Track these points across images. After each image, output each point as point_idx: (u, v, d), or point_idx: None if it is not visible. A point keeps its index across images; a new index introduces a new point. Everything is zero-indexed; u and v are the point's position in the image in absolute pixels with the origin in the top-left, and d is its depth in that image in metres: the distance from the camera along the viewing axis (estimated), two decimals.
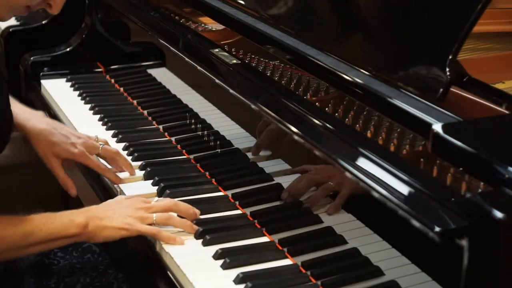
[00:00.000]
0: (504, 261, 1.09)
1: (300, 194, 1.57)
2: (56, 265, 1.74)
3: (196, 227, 1.57)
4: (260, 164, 1.73)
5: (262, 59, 1.87)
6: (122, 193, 1.77)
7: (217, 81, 1.83)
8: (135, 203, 1.60)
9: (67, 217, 1.54)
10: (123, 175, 1.83)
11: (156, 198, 1.66)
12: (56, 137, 1.81)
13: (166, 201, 1.62)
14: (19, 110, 1.86)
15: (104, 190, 1.85)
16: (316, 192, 1.53)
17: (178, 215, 1.59)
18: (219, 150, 1.88)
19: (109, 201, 1.65)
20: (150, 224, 1.56)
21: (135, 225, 1.55)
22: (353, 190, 1.43)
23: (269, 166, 1.71)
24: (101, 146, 1.84)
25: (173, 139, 2.03)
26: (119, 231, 1.55)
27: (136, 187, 1.78)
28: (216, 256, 1.49)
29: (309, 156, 1.50)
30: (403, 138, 1.44)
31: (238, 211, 1.67)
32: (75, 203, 1.89)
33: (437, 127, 1.23)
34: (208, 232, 1.56)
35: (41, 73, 2.49)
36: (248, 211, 1.65)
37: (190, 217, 1.59)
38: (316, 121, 1.50)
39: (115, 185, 1.80)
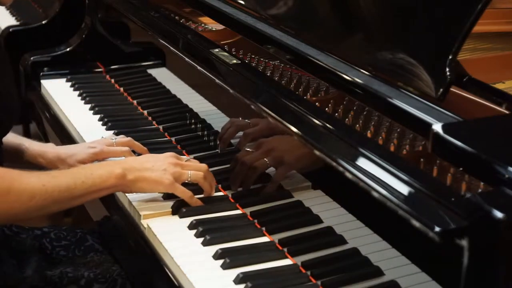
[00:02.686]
0: (504, 261, 1.09)
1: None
2: (58, 263, 1.75)
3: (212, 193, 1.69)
4: None
5: (262, 59, 1.87)
6: None
7: (217, 81, 1.83)
8: (170, 158, 1.67)
9: (105, 169, 1.61)
10: None
11: (187, 157, 1.75)
12: (74, 149, 1.91)
13: (197, 163, 1.70)
14: (31, 142, 1.95)
15: None
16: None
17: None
18: (219, 150, 1.88)
19: (145, 154, 1.73)
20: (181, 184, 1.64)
21: (172, 184, 1.62)
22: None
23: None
24: (114, 140, 1.91)
25: (173, 139, 2.03)
26: (156, 185, 1.62)
27: None
28: (216, 256, 1.49)
29: None
30: (403, 138, 1.44)
31: (238, 211, 1.67)
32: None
33: (437, 127, 1.23)
34: (208, 232, 1.56)
35: (41, 73, 2.49)
36: (248, 211, 1.65)
37: (212, 187, 1.70)
38: (316, 121, 1.50)
39: None
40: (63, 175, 1.59)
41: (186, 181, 1.65)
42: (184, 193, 1.64)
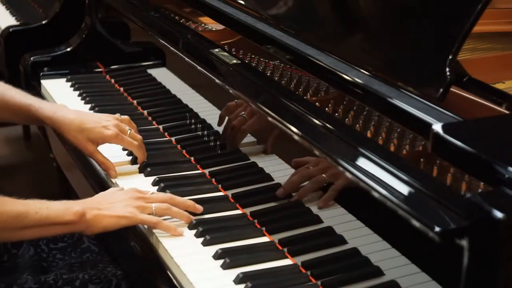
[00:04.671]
0: (504, 261, 1.09)
1: (294, 188, 1.57)
2: (55, 266, 1.74)
3: (192, 217, 1.59)
4: (260, 164, 1.73)
5: (262, 59, 1.87)
6: None
7: (217, 81, 1.83)
8: (132, 193, 1.61)
9: (63, 205, 1.54)
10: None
11: (151, 191, 1.66)
12: (88, 123, 1.84)
13: (162, 194, 1.64)
14: (41, 104, 1.89)
15: (104, 190, 1.85)
16: (307, 184, 1.54)
17: None
18: (219, 150, 1.88)
19: (103, 192, 1.65)
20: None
21: (136, 214, 1.55)
22: (343, 183, 1.42)
23: (269, 166, 1.72)
24: (129, 131, 1.86)
25: (173, 139, 2.03)
26: (120, 220, 1.55)
27: (137, 187, 1.78)
28: (216, 256, 1.49)
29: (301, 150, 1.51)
30: (403, 138, 1.44)
31: (238, 211, 1.67)
32: None
33: (437, 127, 1.23)
34: (208, 232, 1.56)
35: (41, 73, 2.49)
36: (248, 211, 1.65)
37: (187, 208, 1.61)
38: (316, 121, 1.51)
39: (114, 181, 1.81)
40: (16, 203, 1.51)
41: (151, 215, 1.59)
42: (149, 221, 1.57)
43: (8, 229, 1.50)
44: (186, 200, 1.64)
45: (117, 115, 1.92)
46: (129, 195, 1.60)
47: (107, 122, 1.85)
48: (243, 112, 1.72)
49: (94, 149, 1.83)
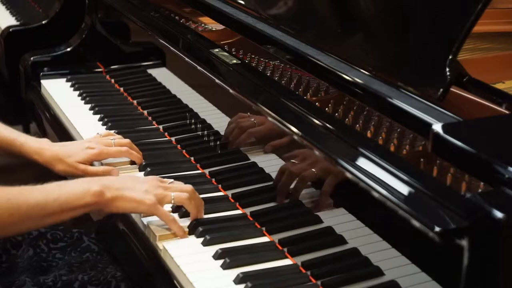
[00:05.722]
0: (504, 261, 1.09)
1: (287, 190, 1.57)
2: (55, 266, 1.74)
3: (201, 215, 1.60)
4: (260, 164, 1.73)
5: (262, 59, 1.87)
6: None
7: (217, 81, 1.83)
8: (153, 180, 1.60)
9: (81, 186, 1.52)
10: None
11: (171, 180, 1.66)
12: (71, 150, 1.84)
13: (182, 185, 1.63)
14: (26, 138, 1.88)
15: None
16: (296, 182, 1.53)
17: None
18: (219, 150, 1.88)
19: (124, 175, 1.64)
20: (165, 204, 1.57)
21: (154, 204, 1.54)
22: (336, 177, 1.42)
23: (269, 166, 1.71)
24: (113, 140, 1.86)
25: (173, 139, 2.03)
26: (139, 205, 1.54)
27: None
28: (216, 256, 1.49)
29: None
30: (403, 138, 1.44)
31: (238, 211, 1.67)
32: None
33: (437, 127, 1.23)
34: (208, 232, 1.56)
35: (41, 73, 2.49)
36: (248, 211, 1.65)
37: (199, 207, 1.61)
38: (316, 121, 1.50)
39: None
40: (34, 190, 1.49)
41: (170, 204, 1.59)
42: (165, 216, 1.56)
43: (29, 218, 1.48)
44: (202, 203, 1.62)
45: (96, 134, 1.93)
46: (150, 182, 1.59)
47: (89, 143, 1.86)
48: (253, 119, 1.71)
49: (85, 166, 1.82)
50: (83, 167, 1.82)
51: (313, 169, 1.48)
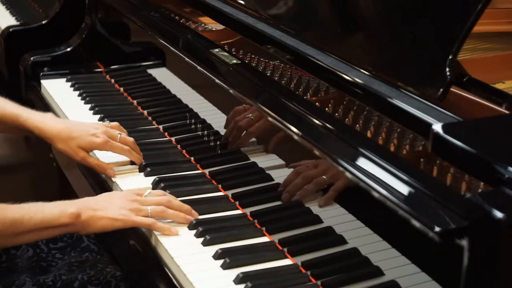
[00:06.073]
0: (504, 261, 1.09)
1: (297, 191, 1.57)
2: (54, 266, 1.74)
3: (190, 218, 1.59)
4: (260, 164, 1.73)
5: (262, 59, 1.87)
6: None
7: (217, 81, 1.83)
8: (128, 195, 1.61)
9: (58, 207, 1.54)
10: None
11: (148, 191, 1.66)
12: (76, 132, 1.84)
13: (158, 197, 1.63)
14: (30, 114, 1.89)
15: (104, 190, 1.85)
16: (308, 186, 1.53)
17: None
18: (219, 150, 1.88)
19: (101, 194, 1.65)
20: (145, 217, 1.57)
21: (130, 216, 1.55)
22: (344, 184, 1.42)
23: (269, 166, 1.71)
24: (119, 135, 1.86)
25: (173, 139, 2.03)
26: (114, 222, 1.55)
27: (137, 187, 1.78)
28: (216, 256, 1.49)
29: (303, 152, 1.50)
30: (403, 138, 1.44)
31: (238, 211, 1.67)
32: None
33: (437, 127, 1.23)
34: (208, 232, 1.56)
35: (41, 73, 2.49)
36: (248, 211, 1.65)
37: (185, 212, 1.61)
38: (316, 121, 1.50)
39: (114, 181, 1.81)
40: (11, 208, 1.50)
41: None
42: (145, 223, 1.57)
43: (4, 236, 1.50)
44: (183, 204, 1.63)
45: (106, 122, 1.92)
46: (125, 197, 1.60)
47: (96, 130, 1.85)
48: (250, 115, 1.71)
49: (85, 154, 1.83)
50: (82, 155, 1.83)
51: (324, 176, 1.48)
